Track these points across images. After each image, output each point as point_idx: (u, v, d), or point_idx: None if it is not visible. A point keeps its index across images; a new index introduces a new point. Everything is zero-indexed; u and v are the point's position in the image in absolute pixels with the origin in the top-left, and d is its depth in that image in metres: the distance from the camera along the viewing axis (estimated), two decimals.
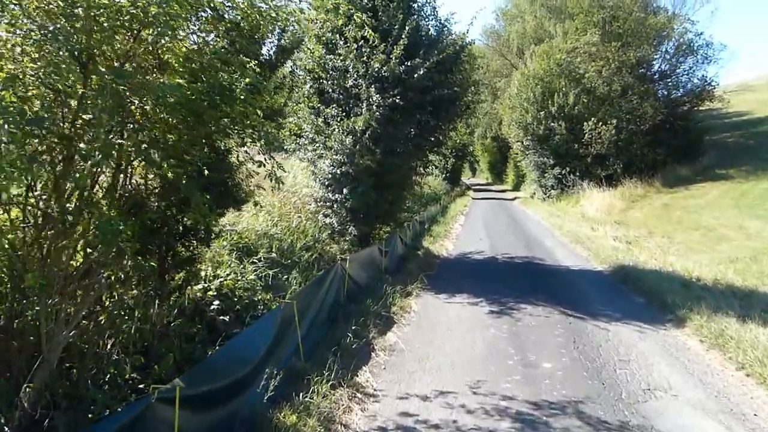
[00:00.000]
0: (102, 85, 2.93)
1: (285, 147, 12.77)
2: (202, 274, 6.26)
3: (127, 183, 4.00)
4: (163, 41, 3.55)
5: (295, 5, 4.81)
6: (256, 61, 4.33)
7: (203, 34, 3.87)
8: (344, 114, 10.19)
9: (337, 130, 9.97)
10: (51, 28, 2.94)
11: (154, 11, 3.11)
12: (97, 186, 3.55)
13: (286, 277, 8.12)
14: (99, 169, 3.29)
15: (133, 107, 3.32)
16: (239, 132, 4.07)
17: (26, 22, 3.07)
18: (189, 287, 5.51)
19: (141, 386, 4.08)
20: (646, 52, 25.86)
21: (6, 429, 3.11)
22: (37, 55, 3.02)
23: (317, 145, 10.55)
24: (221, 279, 6.47)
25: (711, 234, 14.25)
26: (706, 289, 8.72)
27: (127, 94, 3.13)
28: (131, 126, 3.46)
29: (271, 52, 7.17)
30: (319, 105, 10.53)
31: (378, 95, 9.68)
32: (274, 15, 4.20)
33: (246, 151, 4.69)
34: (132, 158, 3.53)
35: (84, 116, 3.11)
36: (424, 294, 9.42)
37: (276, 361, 5.59)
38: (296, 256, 9.19)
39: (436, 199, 27.36)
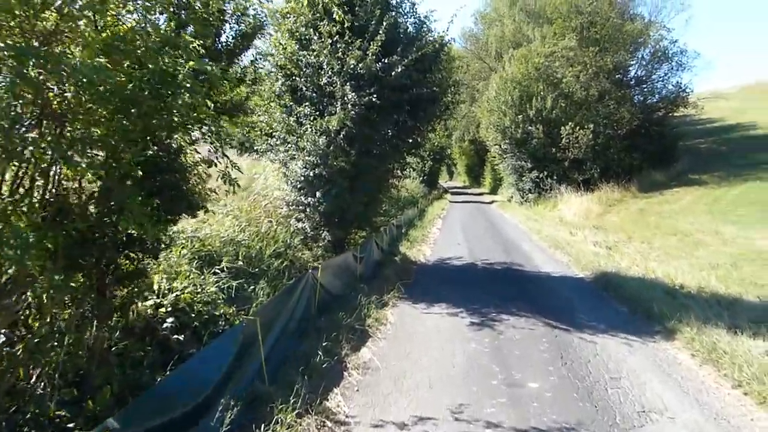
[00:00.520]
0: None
1: (256, 148, 12.16)
2: (155, 287, 5.64)
3: (53, 187, 3.38)
4: (93, 17, 2.97)
5: None
6: (202, 43, 3.74)
7: (144, 12, 3.28)
8: (318, 113, 9.63)
9: (310, 129, 9.41)
10: None
11: None
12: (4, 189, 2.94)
13: (252, 287, 7.54)
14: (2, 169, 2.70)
15: (51, 94, 2.73)
16: (184, 126, 3.48)
17: None
18: (136, 304, 4.90)
19: (70, 425, 3.48)
20: (623, 58, 26.00)
21: None
22: None
23: (289, 145, 9.97)
24: (177, 293, 5.85)
25: (688, 239, 14.13)
26: (691, 297, 8.44)
27: (41, 78, 2.54)
28: (49, 118, 2.87)
29: (230, 39, 6.54)
30: (291, 103, 9.96)
31: (353, 93, 9.16)
32: None
33: (195, 149, 4.10)
34: (51, 157, 2.92)
35: None
36: (401, 303, 8.93)
37: (236, 386, 5.05)
38: (265, 263, 8.61)
39: (413, 203, 27.02)
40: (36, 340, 3.32)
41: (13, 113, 2.49)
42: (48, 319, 3.81)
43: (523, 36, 32.97)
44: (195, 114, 3.37)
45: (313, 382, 5.43)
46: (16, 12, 2.57)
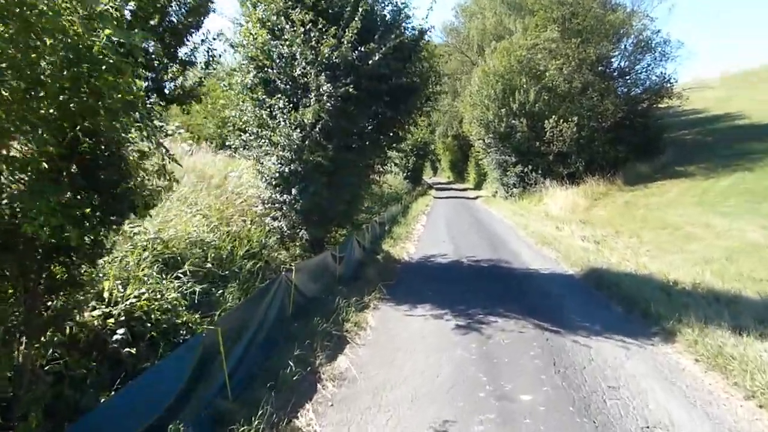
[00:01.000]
0: None
1: (228, 144, 11.54)
2: (105, 295, 5.05)
3: None
4: None
5: None
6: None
7: None
8: (292, 106, 9.06)
9: (283, 123, 8.85)
10: None
11: None
12: None
13: (221, 291, 6.96)
14: None
15: None
16: (107, 112, 2.89)
17: None
18: (77, 315, 4.32)
19: None
20: (606, 49, 25.66)
21: None
22: None
23: (262, 140, 9.39)
24: (132, 300, 5.26)
25: (678, 233, 13.82)
26: (687, 294, 8.04)
27: None
28: None
29: (174, 17, 5.87)
30: (264, 96, 9.37)
31: (329, 84, 8.61)
32: None
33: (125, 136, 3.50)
34: None
35: None
36: (383, 305, 8.43)
37: (196, 403, 4.51)
38: (237, 265, 8.03)
39: (397, 199, 26.57)
40: None
41: None
42: None
43: (505, 29, 32.66)
44: (118, 95, 2.81)
45: (282, 396, 4.93)
46: None
